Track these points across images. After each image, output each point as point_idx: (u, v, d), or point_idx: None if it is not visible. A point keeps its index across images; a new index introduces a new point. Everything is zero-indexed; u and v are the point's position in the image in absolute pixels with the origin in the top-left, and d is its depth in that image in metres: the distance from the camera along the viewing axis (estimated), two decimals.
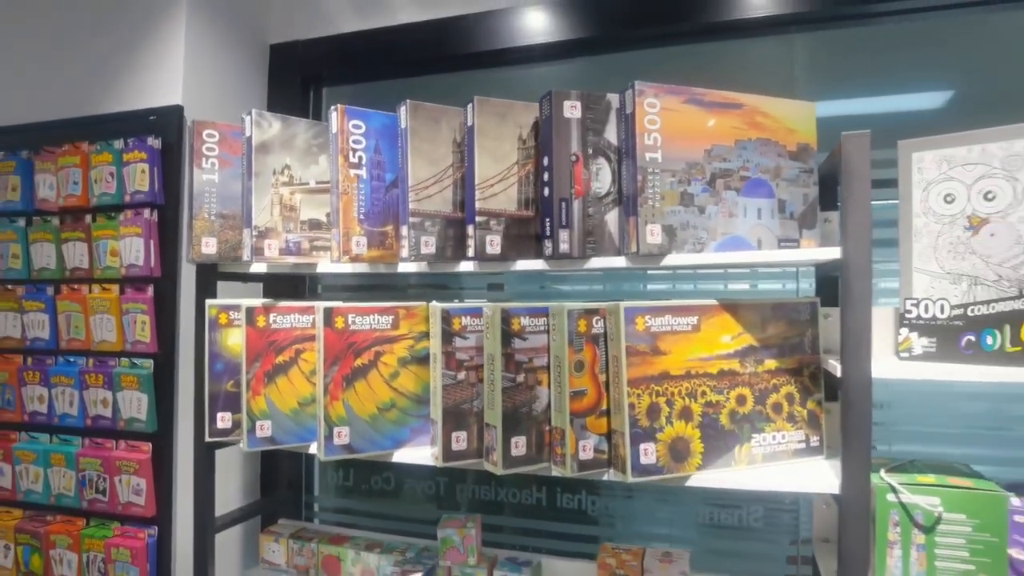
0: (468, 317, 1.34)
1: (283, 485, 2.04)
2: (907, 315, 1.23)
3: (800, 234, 1.34)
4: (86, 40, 1.91)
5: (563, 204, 1.27)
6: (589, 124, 1.29)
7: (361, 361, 1.39)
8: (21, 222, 1.94)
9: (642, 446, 1.19)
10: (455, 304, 1.35)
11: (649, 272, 1.91)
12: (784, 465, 1.28)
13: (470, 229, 1.33)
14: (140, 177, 1.79)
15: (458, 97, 1.36)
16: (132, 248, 1.80)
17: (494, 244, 1.32)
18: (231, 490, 1.95)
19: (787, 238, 1.33)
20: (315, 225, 1.51)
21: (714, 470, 1.24)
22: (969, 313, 1.17)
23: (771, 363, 1.29)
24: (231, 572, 1.89)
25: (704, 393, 1.24)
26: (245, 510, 1.79)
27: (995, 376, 1.12)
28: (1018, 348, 1.12)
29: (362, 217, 1.41)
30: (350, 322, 1.38)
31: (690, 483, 1.22)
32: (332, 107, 1.42)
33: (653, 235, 1.23)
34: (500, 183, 1.33)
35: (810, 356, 1.32)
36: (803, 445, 1.30)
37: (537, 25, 1.92)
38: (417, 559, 1.62)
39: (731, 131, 1.30)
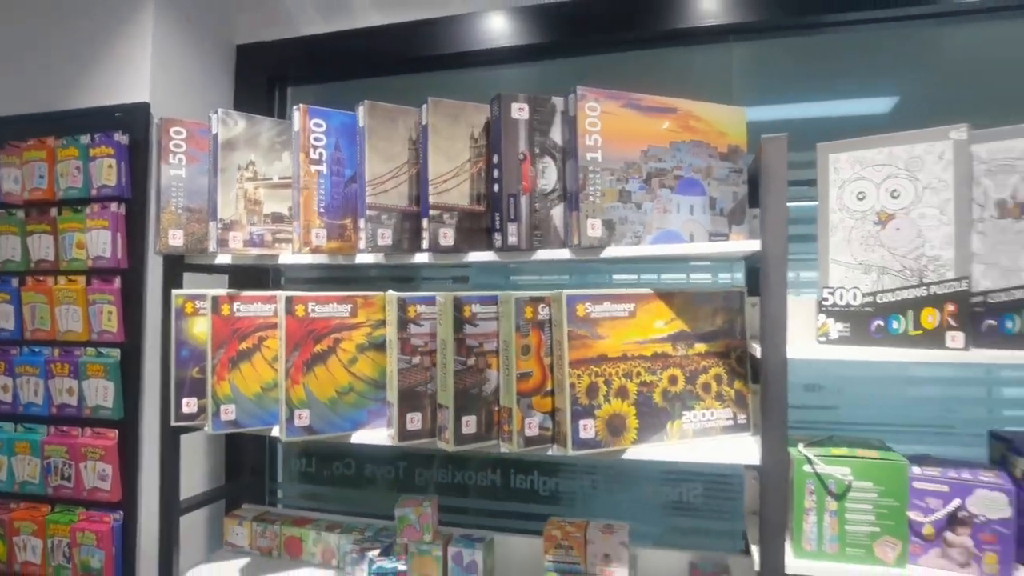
0: (423, 305, 1.43)
1: (247, 471, 2.10)
2: (824, 303, 1.35)
3: (730, 229, 1.45)
4: (53, 37, 1.96)
5: (511, 199, 1.36)
6: (536, 125, 1.39)
7: (321, 347, 1.47)
8: None
9: (582, 422, 1.29)
10: (410, 292, 1.43)
11: (617, 264, 2.00)
12: (713, 440, 1.39)
13: (424, 222, 1.42)
14: (107, 172, 1.84)
15: (422, 96, 1.44)
16: (99, 240, 1.84)
17: (447, 237, 1.41)
18: (196, 476, 2.00)
19: (717, 232, 1.44)
20: (278, 218, 1.59)
21: (648, 444, 1.34)
22: (878, 300, 1.29)
23: (701, 347, 1.39)
24: (196, 555, 1.95)
25: (639, 374, 1.34)
26: (210, 494, 1.85)
27: (899, 357, 1.24)
28: (919, 332, 1.24)
29: (322, 210, 1.49)
30: (310, 310, 1.46)
31: (626, 456, 1.32)
32: (295, 106, 1.49)
33: (594, 229, 1.33)
34: (453, 179, 1.42)
35: (737, 340, 1.43)
36: (731, 422, 1.41)
37: (494, 30, 2.01)
38: (375, 538, 1.70)
39: (666, 133, 1.41)
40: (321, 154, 1.49)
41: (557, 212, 1.39)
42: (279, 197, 1.58)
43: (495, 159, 1.38)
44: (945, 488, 1.20)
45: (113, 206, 1.84)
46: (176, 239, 1.57)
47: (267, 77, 2.19)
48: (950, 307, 1.21)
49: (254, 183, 1.57)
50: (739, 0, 1.83)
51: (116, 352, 1.84)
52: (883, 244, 1.28)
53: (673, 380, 1.36)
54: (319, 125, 1.49)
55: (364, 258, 1.48)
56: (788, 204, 1.24)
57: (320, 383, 1.47)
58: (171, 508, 1.61)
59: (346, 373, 1.49)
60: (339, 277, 2.26)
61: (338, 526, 1.80)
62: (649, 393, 1.34)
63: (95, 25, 1.91)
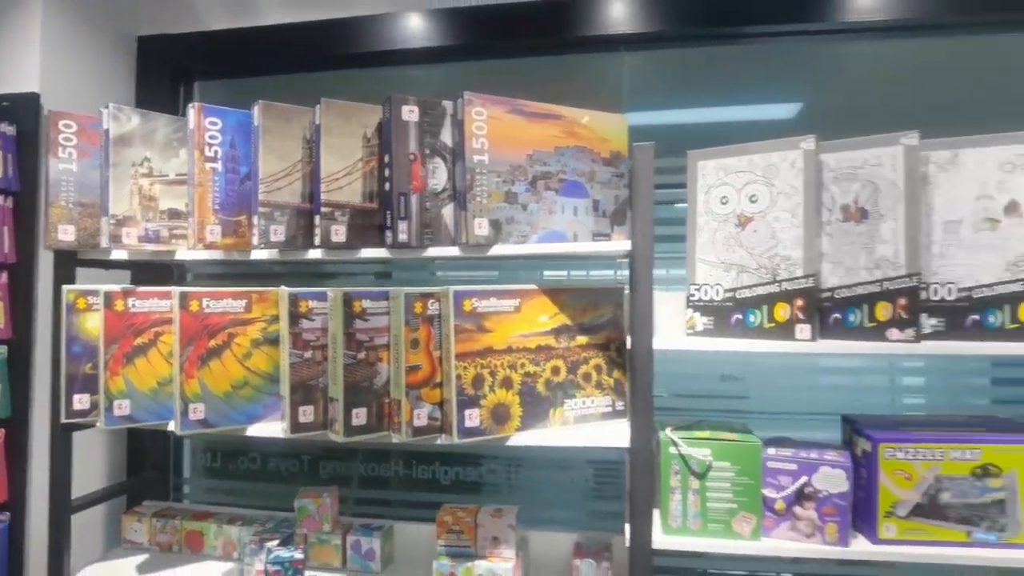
0: (314, 300, 1.46)
1: (149, 467, 2.09)
2: (692, 298, 1.46)
3: (612, 229, 1.55)
4: None
5: (402, 198, 1.41)
6: (426, 127, 1.44)
7: (215, 342, 1.49)
8: None
9: (467, 412, 1.35)
10: (302, 288, 1.47)
11: (546, 261, 2.07)
12: (592, 426, 1.48)
13: (317, 219, 1.45)
14: None
15: (334, 94, 1.47)
16: None
17: (339, 233, 1.45)
18: (95, 473, 1.98)
19: (600, 233, 1.53)
20: (175, 215, 1.59)
21: (532, 431, 1.42)
22: (737, 296, 1.40)
23: (582, 339, 1.48)
24: (92, 553, 1.92)
25: (523, 365, 1.41)
26: (107, 491, 1.83)
27: (755, 348, 1.35)
28: (773, 325, 1.36)
29: (217, 207, 1.51)
30: (205, 305, 1.47)
31: (510, 442, 1.40)
32: (190, 104, 1.50)
33: (481, 228, 1.40)
34: (346, 177, 1.46)
35: (617, 333, 1.52)
36: (610, 409, 1.50)
37: (399, 31, 2.05)
38: (276, 529, 1.72)
39: (551, 139, 1.49)
40: (216, 152, 1.51)
41: (448, 211, 1.45)
42: (175, 193, 1.59)
43: (386, 159, 1.42)
44: (794, 466, 1.33)
45: (0, 199, 1.79)
46: (67, 234, 1.56)
47: (171, 71, 2.17)
48: (799, 302, 1.34)
49: (150, 179, 1.57)
50: (636, 12, 1.93)
51: (3, 349, 1.79)
52: (742, 244, 1.40)
53: (556, 371, 1.45)
54: (214, 123, 1.50)
55: (259, 254, 1.51)
56: (677, 206, 1.33)
57: (215, 377, 1.48)
58: (61, 507, 1.60)
59: (241, 367, 1.51)
60: (255, 273, 2.25)
61: (240, 519, 1.81)
62: (533, 383, 1.42)
63: None
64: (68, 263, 1.60)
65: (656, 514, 1.40)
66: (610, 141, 1.55)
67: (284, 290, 1.46)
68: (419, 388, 1.39)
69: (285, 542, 1.64)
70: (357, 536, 1.66)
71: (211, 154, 1.49)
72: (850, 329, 1.34)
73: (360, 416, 1.41)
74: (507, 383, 1.39)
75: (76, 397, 1.55)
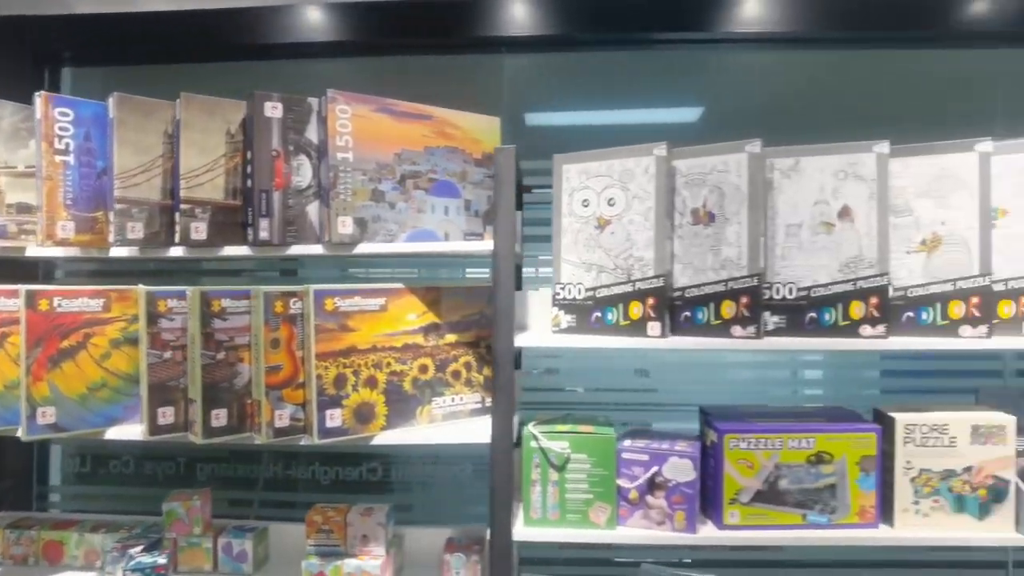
0: (174, 299, 1.43)
1: (7, 476, 1.98)
2: (557, 297, 1.50)
3: (484, 229, 1.57)
4: None
5: (263, 195, 1.40)
6: (291, 124, 1.43)
7: (68, 343, 1.43)
8: None
9: (328, 412, 1.35)
10: (161, 287, 1.43)
11: (468, 259, 2.08)
12: (462, 423, 1.50)
13: (176, 216, 1.41)
14: None
15: (222, 87, 1.43)
16: None
17: (199, 231, 1.42)
18: None
19: (472, 232, 1.56)
20: (24, 209, 1.52)
21: (398, 429, 1.43)
22: (597, 295, 1.45)
23: (452, 337, 1.50)
24: None
25: (389, 364, 1.42)
26: None
27: (612, 344, 1.41)
28: (628, 322, 1.42)
29: (69, 202, 1.44)
30: (55, 305, 1.41)
31: (375, 441, 1.41)
32: (36, 93, 1.43)
33: (344, 226, 1.40)
34: (207, 173, 1.43)
35: (487, 331, 1.55)
36: (479, 405, 1.53)
37: (291, 23, 2.02)
38: (144, 534, 1.67)
39: (421, 138, 1.50)
40: (68, 144, 1.44)
41: (313, 209, 1.44)
42: (25, 186, 1.51)
43: (248, 155, 1.40)
44: (646, 457, 1.39)
45: None
46: None
47: (33, 55, 2.05)
48: (651, 301, 1.40)
49: None
50: (521, 15, 1.96)
51: None
52: (601, 246, 1.45)
53: (424, 369, 1.46)
54: (65, 114, 1.44)
55: (117, 252, 1.45)
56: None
57: (68, 379, 1.43)
58: None
59: (98, 369, 1.46)
60: (137, 271, 2.16)
61: (105, 526, 1.75)
62: (399, 382, 1.43)
63: None
64: None
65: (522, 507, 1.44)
66: (482, 142, 1.57)
67: (141, 288, 1.41)
68: (280, 388, 1.38)
69: (151, 548, 1.59)
70: (229, 538, 1.63)
71: (61, 146, 1.43)
72: (699, 326, 1.41)
73: (220, 417, 1.38)
74: (371, 382, 1.40)
75: None
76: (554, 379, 2.19)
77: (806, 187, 1.40)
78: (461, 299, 1.51)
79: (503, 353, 1.35)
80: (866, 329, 1.36)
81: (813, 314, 1.40)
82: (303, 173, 1.43)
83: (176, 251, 1.44)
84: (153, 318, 1.40)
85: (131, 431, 1.45)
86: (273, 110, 1.40)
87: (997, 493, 1.37)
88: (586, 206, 1.47)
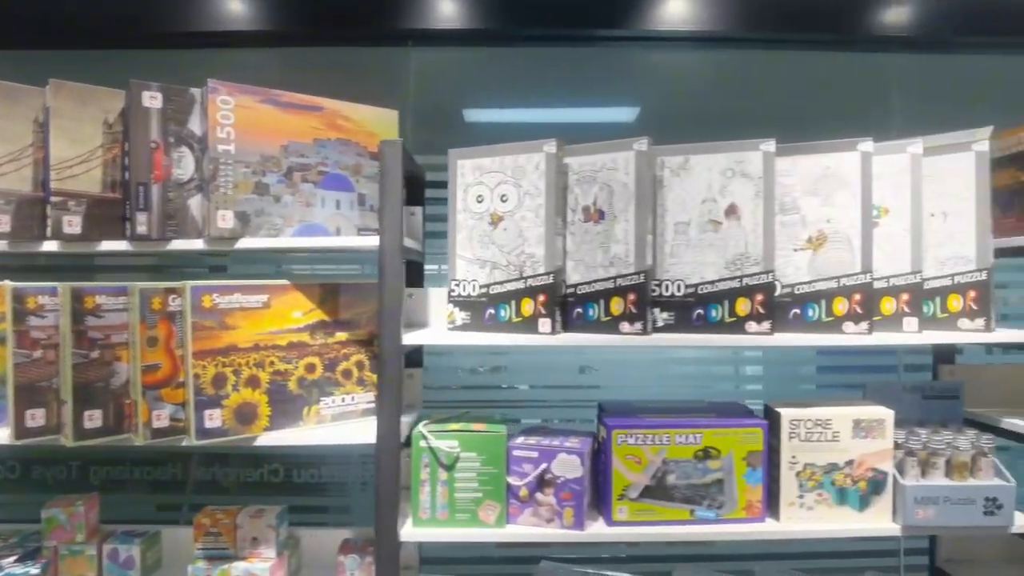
0: (45, 296, 1.36)
1: None
2: (452, 294, 1.48)
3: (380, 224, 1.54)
4: None
5: (141, 188, 1.34)
6: (171, 114, 1.37)
7: None
8: None
9: (207, 412, 1.31)
10: (31, 283, 1.36)
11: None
12: (353, 423, 1.47)
13: (48, 209, 1.35)
14: None
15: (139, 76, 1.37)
16: None
17: (73, 224, 1.36)
18: None
19: (367, 227, 1.52)
20: None
21: (282, 430, 1.39)
22: (491, 292, 1.44)
23: (342, 335, 1.47)
24: None
25: (273, 363, 1.38)
26: None
27: (506, 341, 1.40)
28: (520, 319, 1.41)
29: None
30: None
31: (258, 443, 1.37)
32: None
33: (225, 220, 1.35)
34: (82, 165, 1.37)
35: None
36: (372, 405, 1.50)
37: (211, 11, 1.95)
38: (21, 543, 1.60)
39: (310, 130, 1.46)
40: None
41: (195, 202, 1.39)
42: None
43: (126, 146, 1.35)
44: (535, 454, 1.38)
45: None
46: None
47: None
48: (541, 298, 1.39)
49: None
50: (422, 10, 1.93)
51: None
52: (494, 242, 1.43)
53: (311, 368, 1.43)
54: None
55: None
56: None
57: None
58: None
59: None
60: (69, 266, 2.07)
61: None
62: (284, 381, 1.39)
63: None
64: None
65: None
66: (378, 135, 1.54)
67: (7, 284, 1.35)
68: (159, 388, 1.33)
69: (27, 557, 1.53)
70: (115, 545, 1.57)
71: None
72: (590, 323, 1.41)
73: (95, 418, 1.33)
74: (253, 382, 1.36)
75: None
76: (499, 377, 2.19)
77: (695, 185, 1.41)
78: (353, 296, 1.48)
79: (389, 351, 1.33)
80: (752, 326, 1.37)
81: (701, 311, 1.41)
82: (185, 166, 1.38)
83: (49, 245, 1.37)
84: (21, 316, 1.33)
85: None
86: (152, 100, 1.35)
87: (876, 485, 1.40)
88: (480, 202, 1.45)
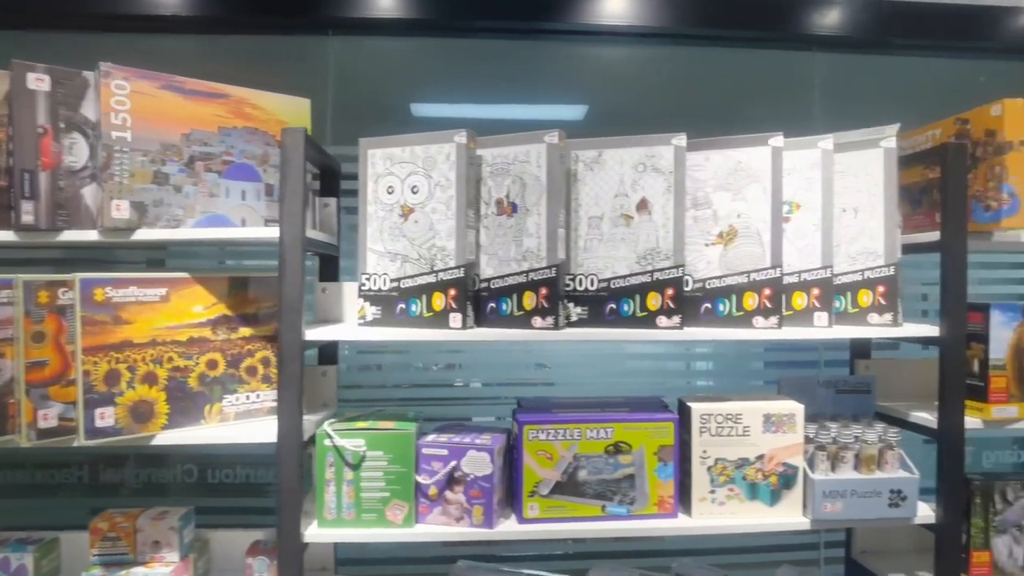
0: None
1: None
2: (363, 288, 1.44)
3: None
4: None
5: (26, 176, 1.28)
6: (61, 98, 1.31)
7: None
8: None
9: (98, 411, 1.25)
10: None
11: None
12: (259, 421, 1.42)
13: None
14: None
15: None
16: None
17: None
18: None
19: (275, 219, 1.47)
20: None
21: (182, 429, 1.34)
22: (401, 286, 1.41)
23: (246, 330, 1.42)
24: None
25: (171, 359, 1.33)
26: None
27: (416, 336, 1.36)
28: (431, 314, 1.38)
29: None
30: None
31: (155, 442, 1.31)
32: None
33: (119, 210, 1.29)
34: None
35: None
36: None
37: None
38: None
39: (214, 118, 1.41)
40: None
41: (90, 191, 1.33)
42: None
43: (11, 131, 1.28)
44: (445, 452, 1.35)
45: None
46: None
47: None
48: (452, 292, 1.36)
49: None
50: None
51: None
52: (405, 235, 1.40)
53: (212, 364, 1.38)
54: None
55: None
56: None
57: None
58: None
59: None
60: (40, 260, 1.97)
61: None
62: (184, 378, 1.34)
63: None
64: None
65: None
66: (289, 124, 1.49)
67: None
68: (46, 386, 1.26)
69: None
70: (6, 553, 1.49)
71: None
72: (503, 317, 1.39)
73: None
74: (150, 379, 1.30)
75: None
76: (453, 374, 2.17)
77: (608, 179, 1.40)
78: (263, 290, 1.43)
79: (289, 347, 1.28)
80: (662, 320, 1.37)
81: (613, 305, 1.40)
82: (77, 153, 1.32)
83: None
84: None
85: None
86: (38, 82, 1.28)
87: (787, 480, 1.41)
88: (391, 193, 1.42)
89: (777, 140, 1.38)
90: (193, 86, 1.38)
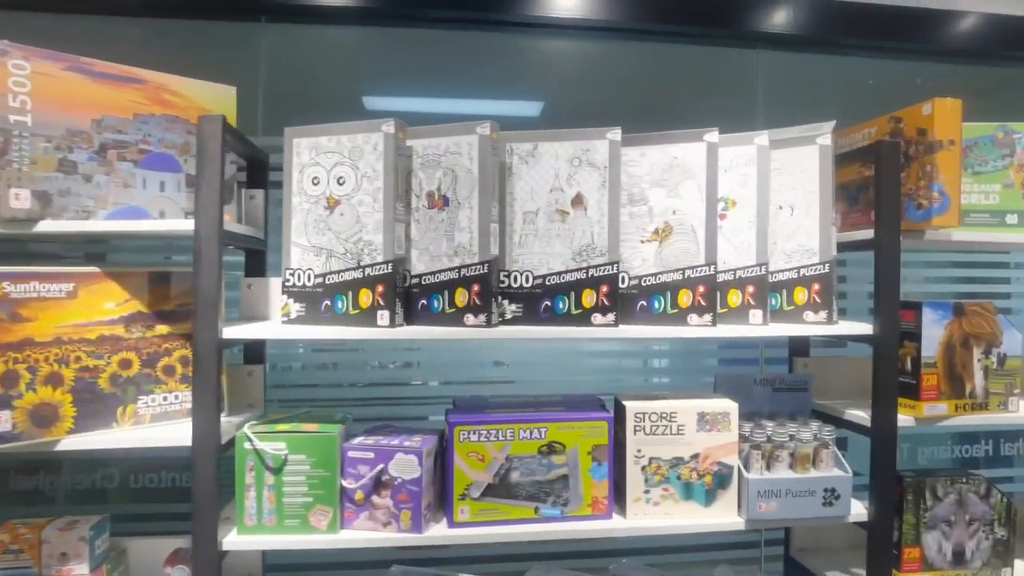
0: None
1: None
2: (287, 284, 1.38)
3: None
4: None
5: None
6: None
7: None
8: None
9: None
10: None
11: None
12: (176, 423, 1.35)
13: None
14: None
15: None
16: None
17: None
18: None
19: None
20: None
21: (91, 433, 1.26)
22: (327, 281, 1.35)
23: (164, 328, 1.35)
24: None
25: (79, 359, 1.25)
26: None
27: (342, 335, 1.30)
28: (358, 311, 1.32)
29: None
30: None
31: (60, 447, 1.23)
32: None
33: (19, 200, 1.21)
34: None
35: None
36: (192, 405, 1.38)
37: None
38: None
39: (129, 104, 1.33)
40: None
41: None
42: None
43: None
44: (371, 455, 1.30)
45: None
46: None
47: None
48: (380, 288, 1.31)
49: None
50: None
51: None
52: (331, 228, 1.35)
53: (126, 364, 1.30)
54: None
55: None
56: None
57: None
58: None
59: None
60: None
61: None
62: (93, 379, 1.26)
63: None
64: None
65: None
66: (212, 112, 1.42)
67: None
68: None
69: None
70: None
71: None
72: (435, 315, 1.34)
73: None
74: (54, 380, 1.22)
75: None
76: (409, 373, 2.12)
77: (543, 173, 1.36)
78: (175, 286, 1.36)
79: (204, 345, 1.22)
80: (597, 317, 1.34)
81: (548, 302, 1.36)
82: None
83: None
84: None
85: None
86: None
87: (722, 479, 1.39)
88: (316, 184, 1.36)
89: (712, 136, 1.36)
90: (104, 69, 1.30)
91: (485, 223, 1.30)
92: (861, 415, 1.45)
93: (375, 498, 1.30)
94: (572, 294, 1.35)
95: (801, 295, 1.44)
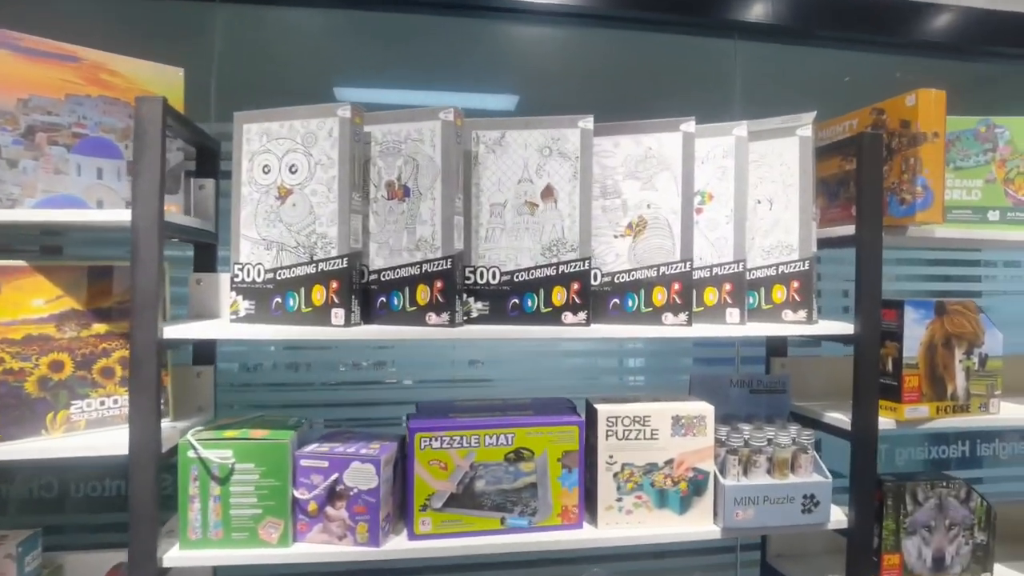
0: None
1: None
2: (235, 280, 1.28)
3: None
4: None
5: None
6: None
7: None
8: None
9: None
10: None
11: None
12: (115, 430, 1.26)
13: None
14: None
15: None
16: None
17: None
18: None
19: None
20: None
21: (15, 441, 1.16)
22: (278, 277, 1.26)
23: (101, 327, 1.25)
24: None
25: (3, 361, 1.15)
26: None
27: (293, 335, 1.21)
28: (310, 309, 1.23)
29: None
30: None
31: None
32: None
33: None
34: None
35: None
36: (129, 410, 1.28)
37: None
38: None
39: (61, 84, 1.22)
40: None
41: None
42: None
43: None
44: (326, 464, 1.22)
45: None
46: None
47: None
48: (334, 285, 1.22)
49: None
50: None
51: None
52: (282, 220, 1.26)
53: (57, 366, 1.20)
54: None
55: None
56: None
57: None
58: None
59: None
60: None
61: None
62: (18, 383, 1.16)
63: None
64: None
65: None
66: (156, 95, 1.31)
67: None
68: None
69: None
70: None
71: None
72: (395, 313, 1.26)
73: None
74: None
75: None
76: (383, 372, 2.03)
77: (511, 163, 1.29)
78: (114, 281, 1.26)
79: (142, 346, 1.12)
80: (568, 316, 1.26)
81: (517, 300, 1.29)
82: None
83: None
84: None
85: None
86: None
87: (697, 486, 1.33)
88: (267, 173, 1.27)
89: (689, 125, 1.29)
90: (32, 44, 1.19)
91: (449, 215, 1.22)
92: (841, 418, 1.40)
93: (329, 509, 1.22)
94: (542, 291, 1.28)
95: (780, 293, 1.38)
